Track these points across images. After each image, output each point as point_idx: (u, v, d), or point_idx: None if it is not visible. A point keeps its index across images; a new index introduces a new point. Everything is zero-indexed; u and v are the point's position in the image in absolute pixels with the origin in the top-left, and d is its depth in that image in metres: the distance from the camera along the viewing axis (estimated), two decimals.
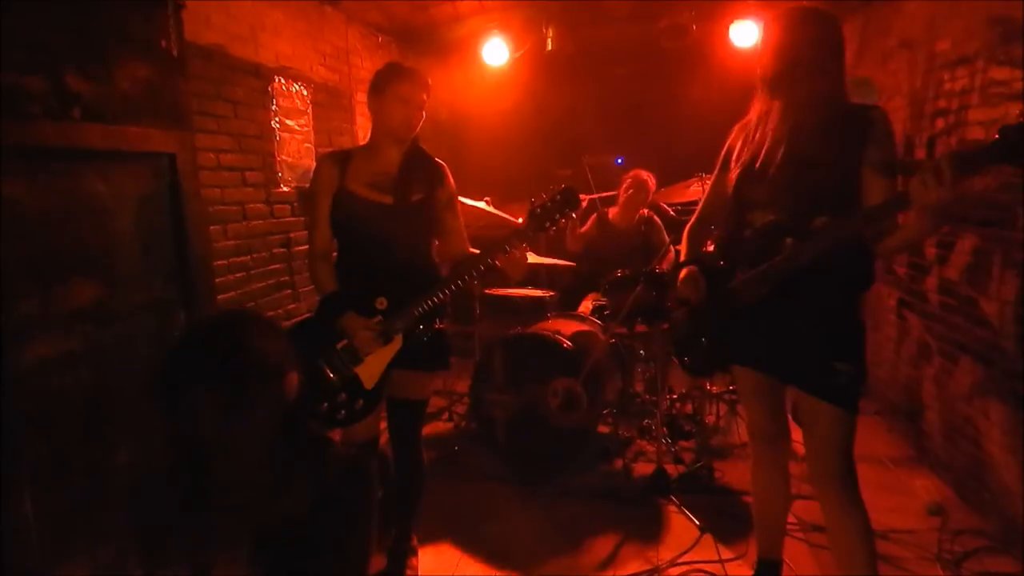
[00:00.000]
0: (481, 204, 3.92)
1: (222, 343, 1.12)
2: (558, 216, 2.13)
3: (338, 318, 2.18)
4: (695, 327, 2.15)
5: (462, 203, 2.57)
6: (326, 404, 2.18)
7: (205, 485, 1.14)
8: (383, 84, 2.23)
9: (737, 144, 2.07)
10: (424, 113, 2.27)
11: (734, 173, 2.03)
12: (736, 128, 2.11)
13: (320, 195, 2.26)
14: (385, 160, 2.27)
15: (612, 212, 4.30)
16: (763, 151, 1.93)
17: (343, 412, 2.19)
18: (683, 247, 2.26)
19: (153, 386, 1.13)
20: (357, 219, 2.23)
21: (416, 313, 2.16)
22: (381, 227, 2.20)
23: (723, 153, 2.14)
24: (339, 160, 2.29)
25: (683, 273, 2.13)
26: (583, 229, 4.32)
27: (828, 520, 2.00)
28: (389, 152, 2.28)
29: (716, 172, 2.18)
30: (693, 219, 2.27)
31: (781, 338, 1.93)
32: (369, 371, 2.18)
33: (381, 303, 2.16)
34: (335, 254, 2.36)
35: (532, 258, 4.04)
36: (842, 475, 1.91)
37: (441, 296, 2.17)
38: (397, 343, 2.18)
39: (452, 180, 2.39)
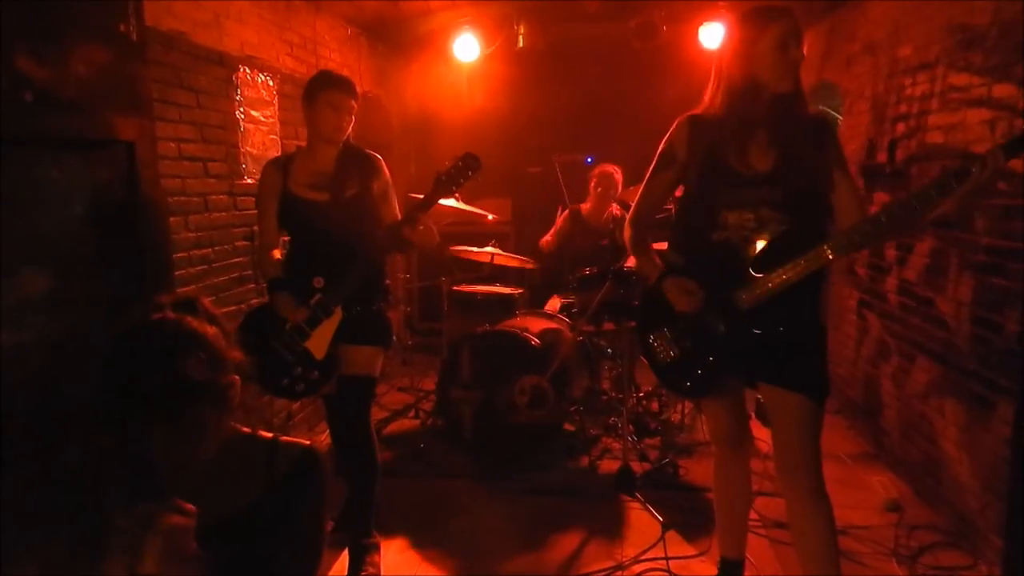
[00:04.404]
0: (450, 201, 3.90)
1: (157, 380, 1.05)
2: (461, 180, 2.42)
3: (275, 296, 2.46)
4: (698, 346, 1.99)
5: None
6: (286, 380, 2.43)
7: (150, 485, 1.11)
8: (315, 91, 2.46)
9: (687, 144, 1.97)
10: (354, 118, 2.51)
11: (698, 172, 1.96)
12: (684, 126, 1.99)
13: (266, 198, 2.54)
14: (322, 160, 2.51)
15: (584, 208, 4.32)
16: (749, 151, 1.89)
17: (302, 385, 2.44)
18: (635, 256, 2.15)
19: (95, 410, 1.10)
20: (299, 217, 2.50)
21: (347, 286, 2.39)
22: (319, 222, 2.45)
23: (664, 151, 2.04)
24: (281, 165, 2.55)
25: (670, 284, 1.98)
26: (556, 227, 4.34)
27: (794, 514, 1.99)
28: (324, 153, 2.51)
29: (655, 171, 2.06)
30: (633, 224, 2.13)
31: (760, 338, 1.91)
32: (317, 344, 2.43)
33: (318, 282, 2.41)
34: (285, 241, 2.63)
35: (500, 257, 4.03)
36: (812, 467, 1.93)
37: (364, 270, 2.40)
38: (337, 315, 2.43)
39: (387, 172, 2.60)
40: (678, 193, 2.19)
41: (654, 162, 2.07)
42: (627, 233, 2.15)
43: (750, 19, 1.86)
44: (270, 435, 1.28)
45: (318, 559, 1.27)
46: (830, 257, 1.80)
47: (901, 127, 3.34)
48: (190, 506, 1.06)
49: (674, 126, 2.02)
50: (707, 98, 1.98)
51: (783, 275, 1.83)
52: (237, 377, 1.16)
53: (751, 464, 2.29)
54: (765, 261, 1.86)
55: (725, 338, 1.95)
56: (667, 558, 2.64)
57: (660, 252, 2.14)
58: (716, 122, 1.92)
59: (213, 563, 1.10)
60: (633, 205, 2.15)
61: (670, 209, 3.24)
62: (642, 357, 2.19)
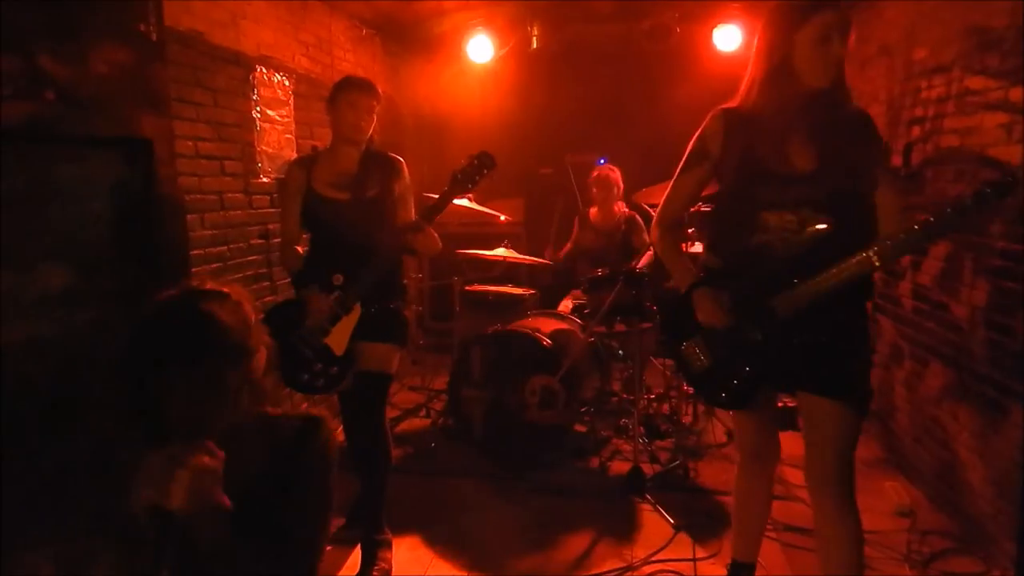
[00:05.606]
0: (463, 201, 3.91)
1: (190, 322, 1.11)
2: (477, 178, 2.46)
3: (300, 292, 2.52)
4: (734, 355, 1.89)
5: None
6: (306, 375, 2.47)
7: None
8: (336, 93, 2.54)
9: (721, 140, 1.87)
10: (375, 118, 2.56)
11: (735, 170, 1.85)
12: (718, 120, 1.89)
13: (290, 196, 2.60)
14: (344, 161, 2.57)
15: (592, 213, 4.33)
16: (788, 148, 1.78)
17: (321, 380, 2.49)
18: (664, 259, 2.05)
19: (121, 362, 1.13)
20: (321, 214, 2.55)
21: (365, 283, 2.43)
22: (340, 221, 2.51)
23: (695, 146, 1.93)
24: (306, 164, 2.62)
25: (700, 296, 1.89)
26: (569, 243, 4.38)
27: (822, 524, 1.92)
28: (347, 154, 2.57)
29: (685, 167, 1.96)
30: (661, 225, 2.03)
31: (799, 344, 1.81)
32: (336, 340, 2.47)
33: (337, 279, 2.46)
34: (306, 238, 2.68)
35: (513, 256, 4.04)
36: (845, 478, 1.86)
37: (382, 267, 2.45)
38: (356, 312, 2.47)
39: (407, 175, 2.64)
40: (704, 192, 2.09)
41: (684, 158, 1.96)
42: (654, 235, 2.05)
43: (792, 5, 1.74)
44: (278, 411, 1.32)
45: (326, 518, 1.30)
46: (876, 264, 1.66)
47: (917, 130, 3.32)
48: (220, 451, 1.09)
49: (707, 120, 1.90)
50: (743, 89, 1.86)
51: (824, 282, 1.71)
52: (264, 349, 1.19)
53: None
54: (807, 266, 1.74)
55: (762, 347, 1.84)
56: (677, 560, 2.64)
57: (695, 255, 2.06)
58: (751, 116, 1.81)
59: (233, 517, 1.13)
60: (660, 205, 2.04)
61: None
62: (669, 364, 2.14)
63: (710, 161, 1.91)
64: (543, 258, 4.33)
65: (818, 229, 1.76)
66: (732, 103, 1.89)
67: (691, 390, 3.91)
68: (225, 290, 1.18)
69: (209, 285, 1.17)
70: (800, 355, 1.83)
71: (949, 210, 1.60)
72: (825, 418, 1.85)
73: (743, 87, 1.87)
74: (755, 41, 1.84)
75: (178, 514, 1.04)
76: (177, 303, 1.14)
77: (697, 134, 1.93)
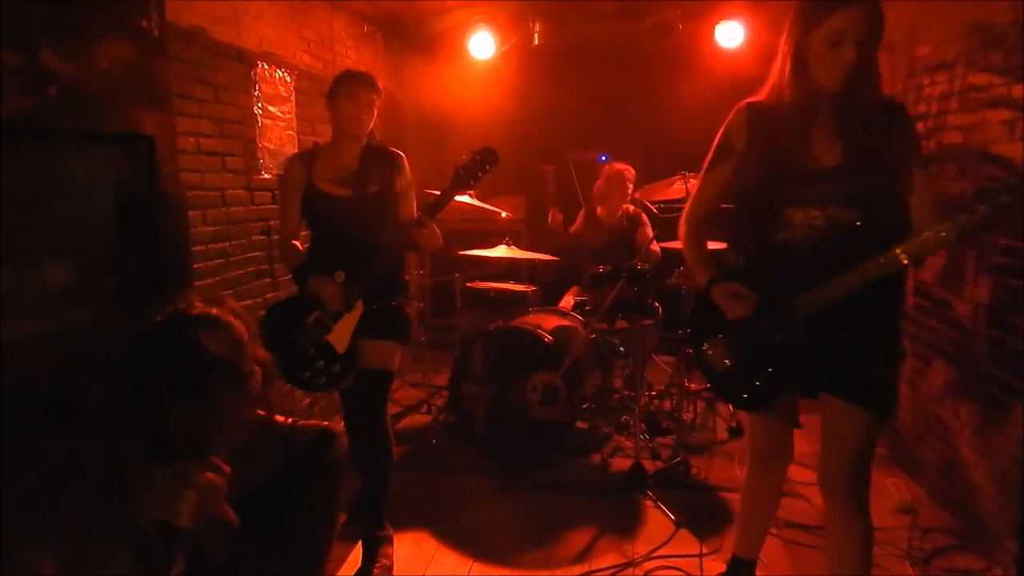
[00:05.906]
0: (465, 198, 3.91)
1: (178, 356, 1.10)
2: (479, 173, 2.45)
3: (305, 285, 2.49)
4: (755, 356, 1.85)
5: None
6: (308, 373, 2.46)
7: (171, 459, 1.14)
8: (336, 87, 2.54)
9: (745, 134, 1.82)
10: (375, 112, 2.55)
11: (756, 166, 1.80)
12: (742, 114, 1.84)
13: (290, 191, 2.59)
14: (345, 156, 2.56)
15: (599, 209, 4.32)
16: (812, 142, 1.74)
17: (323, 378, 2.47)
18: (688, 257, 2.01)
19: (117, 378, 1.15)
20: (322, 211, 2.55)
21: (367, 280, 2.43)
22: (342, 217, 2.50)
23: (720, 142, 1.89)
24: (306, 159, 2.60)
25: (718, 291, 1.85)
26: (573, 228, 4.35)
27: (832, 523, 1.91)
28: (348, 149, 2.56)
29: (711, 164, 1.92)
30: (688, 222, 1.99)
31: (824, 345, 1.76)
32: (339, 337, 2.46)
33: (339, 276, 2.43)
34: (304, 234, 2.68)
35: (515, 252, 4.04)
36: (860, 481, 1.84)
37: (385, 264, 2.45)
38: (358, 309, 2.46)
39: (409, 170, 2.64)
40: None
41: (710, 155, 1.93)
42: (681, 231, 2.01)
43: (812, 4, 1.68)
44: (289, 420, 1.33)
45: (333, 525, 1.34)
46: (904, 263, 1.58)
47: (920, 127, 3.32)
48: (226, 466, 1.10)
49: (731, 115, 1.86)
50: (767, 83, 1.82)
51: (848, 281, 1.65)
52: (258, 368, 1.18)
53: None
54: (832, 264, 1.68)
55: (783, 348, 1.78)
56: (678, 556, 2.65)
57: (716, 253, 2.00)
58: (775, 110, 1.77)
59: (239, 530, 1.14)
60: (688, 202, 2.01)
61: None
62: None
63: (735, 156, 1.87)
64: (546, 224, 4.29)
65: (848, 226, 1.70)
66: (757, 97, 1.84)
67: (693, 387, 3.92)
68: (214, 312, 1.15)
69: (198, 308, 1.14)
70: (823, 356, 1.79)
71: (984, 207, 1.51)
72: (845, 421, 1.81)
73: (768, 80, 1.82)
74: (785, 30, 1.78)
75: (185, 529, 1.05)
76: (165, 335, 1.12)
77: (722, 129, 1.89)
